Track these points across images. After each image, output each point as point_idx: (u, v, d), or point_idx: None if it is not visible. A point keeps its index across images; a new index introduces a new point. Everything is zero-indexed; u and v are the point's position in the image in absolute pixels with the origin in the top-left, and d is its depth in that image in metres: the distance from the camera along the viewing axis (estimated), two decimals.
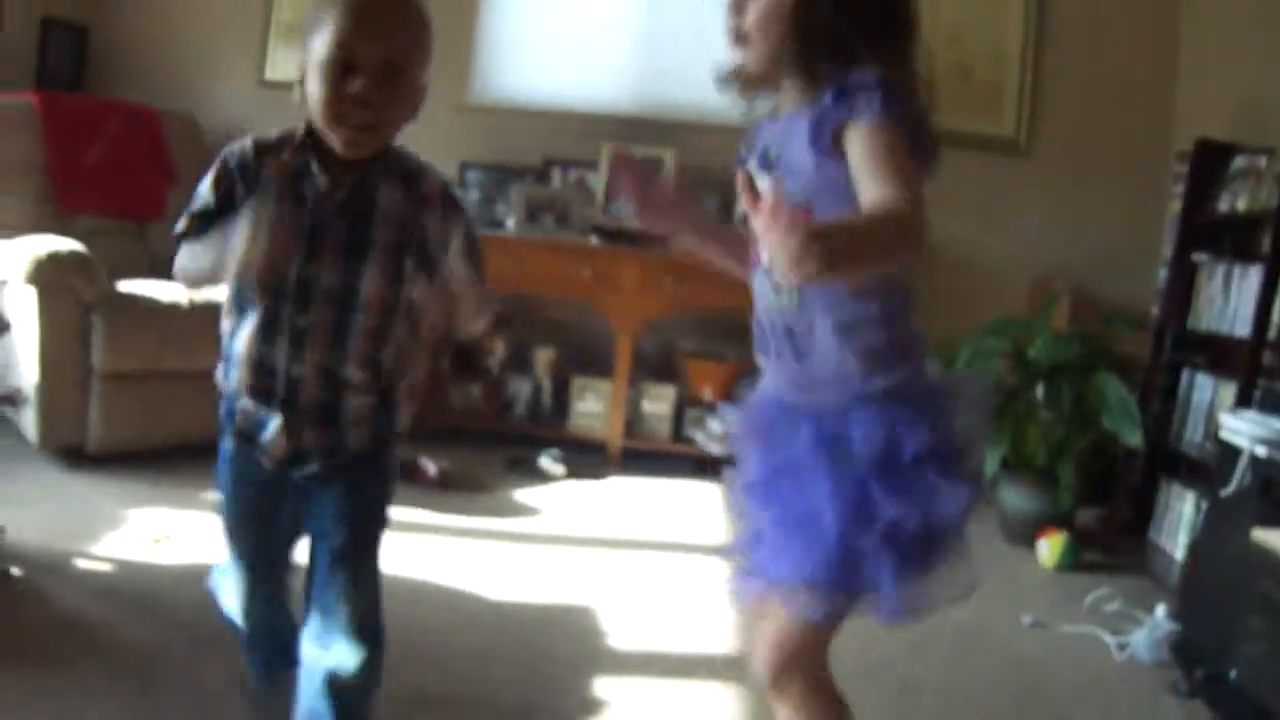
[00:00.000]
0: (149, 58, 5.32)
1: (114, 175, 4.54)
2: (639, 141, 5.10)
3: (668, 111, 5.19)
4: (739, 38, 1.64)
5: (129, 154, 4.60)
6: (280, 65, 5.26)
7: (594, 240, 4.90)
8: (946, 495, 1.53)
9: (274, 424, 1.78)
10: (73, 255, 3.70)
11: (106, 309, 3.75)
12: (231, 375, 1.81)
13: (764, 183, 1.60)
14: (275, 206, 1.65)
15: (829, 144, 1.50)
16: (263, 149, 1.74)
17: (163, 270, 4.41)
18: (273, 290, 1.72)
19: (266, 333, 1.75)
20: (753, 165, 1.68)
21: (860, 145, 1.45)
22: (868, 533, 1.52)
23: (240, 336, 1.77)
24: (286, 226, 1.65)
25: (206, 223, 1.73)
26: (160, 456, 3.86)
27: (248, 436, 1.83)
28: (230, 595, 2.00)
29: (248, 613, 2.00)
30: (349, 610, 1.79)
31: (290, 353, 1.75)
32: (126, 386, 3.80)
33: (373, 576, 1.85)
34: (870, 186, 1.42)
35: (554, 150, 5.19)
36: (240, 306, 1.78)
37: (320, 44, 1.62)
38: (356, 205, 1.73)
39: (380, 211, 1.74)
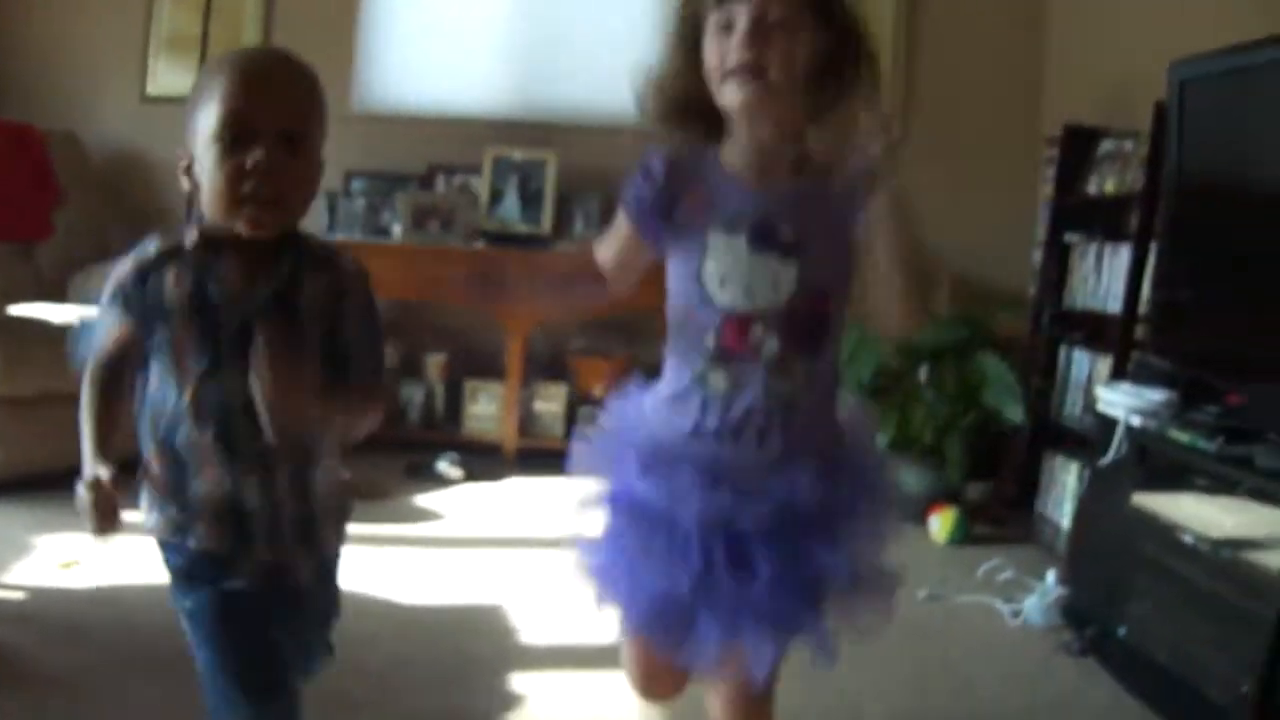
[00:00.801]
0: (27, 75, 5.18)
1: None
2: (521, 144, 5.13)
3: (549, 114, 5.22)
4: (754, 72, 1.54)
5: (12, 174, 4.50)
6: (161, 80, 5.17)
7: (480, 244, 4.92)
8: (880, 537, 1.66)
9: (261, 567, 1.59)
10: None
11: None
12: (185, 527, 1.58)
13: (761, 260, 1.58)
14: (181, 322, 1.51)
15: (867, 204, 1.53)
16: (144, 267, 1.53)
17: (52, 292, 4.36)
18: (216, 423, 1.53)
19: (226, 469, 1.55)
20: (728, 236, 1.61)
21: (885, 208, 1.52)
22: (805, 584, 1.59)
23: (187, 479, 1.56)
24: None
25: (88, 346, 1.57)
26: (62, 480, 3.76)
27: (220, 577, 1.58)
28: None
29: None
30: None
31: (260, 483, 1.56)
32: (23, 411, 3.72)
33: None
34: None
35: (437, 156, 5.19)
36: (173, 444, 1.56)
37: (209, 117, 1.47)
38: (279, 303, 1.54)
39: (305, 307, 1.56)
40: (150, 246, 1.55)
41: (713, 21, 1.56)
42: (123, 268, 1.54)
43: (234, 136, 1.45)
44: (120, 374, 1.57)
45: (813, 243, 1.58)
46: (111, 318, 1.54)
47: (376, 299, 1.65)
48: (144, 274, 1.52)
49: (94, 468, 1.51)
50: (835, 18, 1.55)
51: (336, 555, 1.78)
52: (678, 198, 1.63)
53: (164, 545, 1.62)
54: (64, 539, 3.30)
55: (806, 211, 1.59)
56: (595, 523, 1.74)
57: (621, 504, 1.70)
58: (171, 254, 1.54)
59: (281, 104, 1.49)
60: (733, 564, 1.57)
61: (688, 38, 1.60)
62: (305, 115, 1.52)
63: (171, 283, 1.52)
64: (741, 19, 1.53)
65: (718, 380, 1.62)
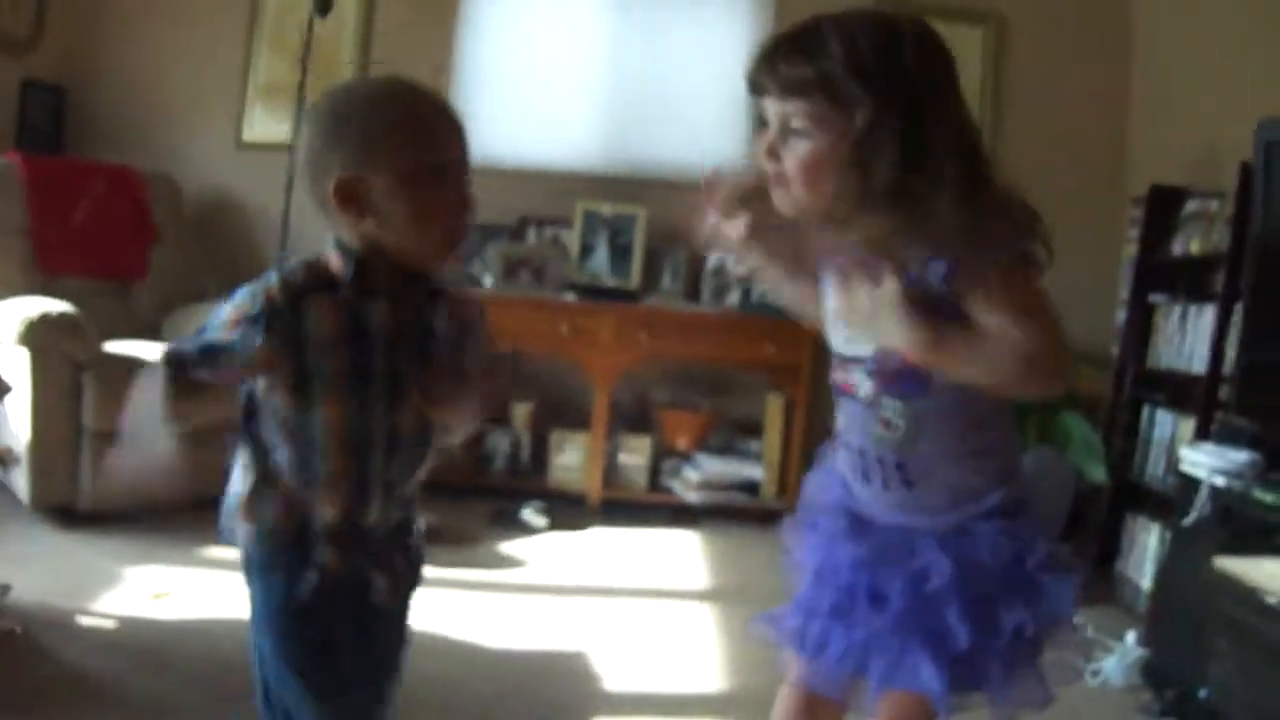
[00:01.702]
0: (127, 119, 5.37)
1: (97, 236, 4.59)
2: (610, 199, 5.23)
3: (638, 170, 5.32)
4: (778, 181, 1.52)
5: (111, 215, 4.66)
6: (257, 126, 5.34)
7: (570, 296, 5.00)
8: (1064, 596, 1.56)
9: (378, 582, 1.65)
10: (63, 317, 3.78)
11: (97, 369, 3.81)
12: (306, 543, 1.59)
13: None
14: (333, 354, 1.52)
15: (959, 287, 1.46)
16: (295, 293, 1.50)
17: (146, 330, 4.51)
18: (357, 449, 1.56)
19: (357, 493, 1.58)
20: (835, 279, 1.60)
21: (984, 299, 1.43)
22: (994, 642, 1.54)
23: (313, 499, 1.58)
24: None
25: (213, 362, 1.52)
26: (152, 514, 3.91)
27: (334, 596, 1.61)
28: None
29: None
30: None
31: (383, 507, 1.61)
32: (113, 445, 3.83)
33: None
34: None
35: (529, 208, 5.31)
36: (304, 467, 1.57)
37: (408, 152, 1.48)
38: (418, 334, 1.58)
39: (439, 336, 1.60)
40: (296, 272, 1.52)
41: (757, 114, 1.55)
42: (268, 287, 1.49)
43: (443, 174, 1.50)
44: (209, 391, 1.56)
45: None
46: (256, 337, 1.48)
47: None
48: (296, 300, 1.49)
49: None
50: (864, 102, 1.42)
51: (410, 582, 1.80)
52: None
53: (272, 558, 1.61)
54: (154, 570, 3.42)
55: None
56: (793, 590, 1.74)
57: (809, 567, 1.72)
58: (325, 286, 1.52)
59: (464, 137, 1.54)
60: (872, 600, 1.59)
61: None
62: (470, 147, 1.56)
63: (326, 313, 1.51)
64: (770, 122, 1.51)
65: (840, 416, 1.66)
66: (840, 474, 1.70)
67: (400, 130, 1.48)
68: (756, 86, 1.51)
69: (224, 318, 1.50)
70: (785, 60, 1.46)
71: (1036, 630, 1.55)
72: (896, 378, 1.55)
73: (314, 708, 1.59)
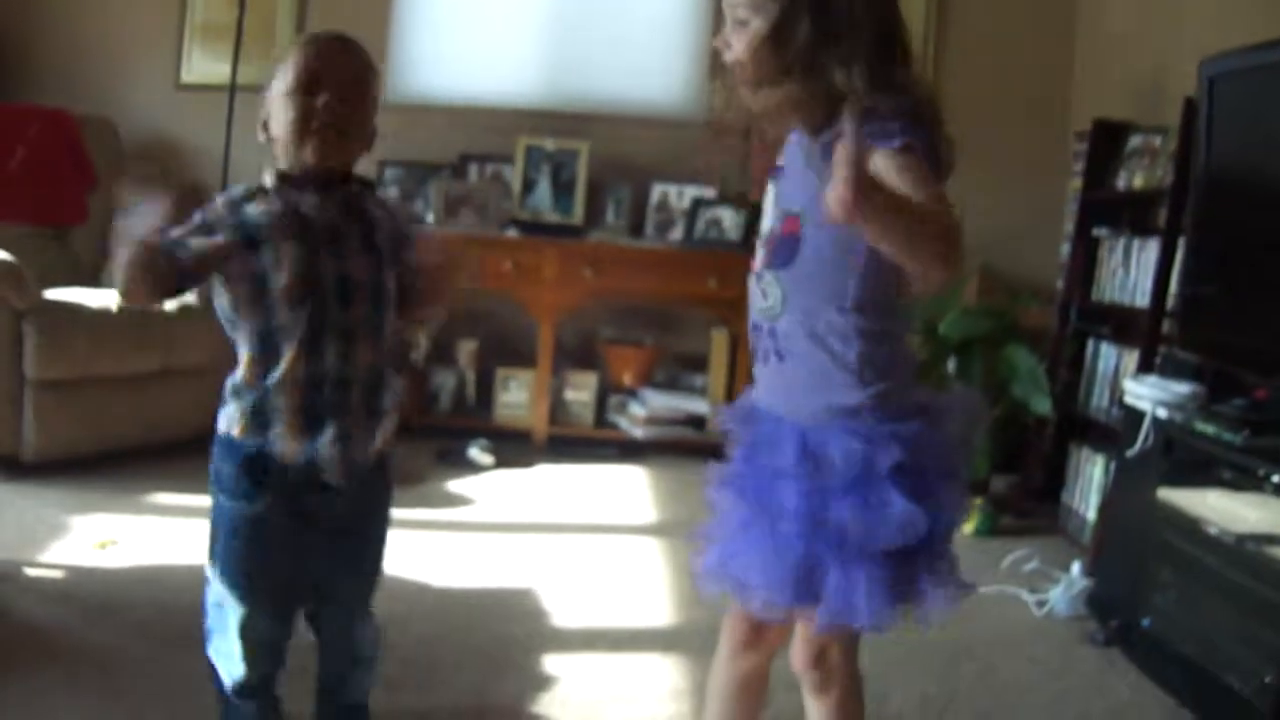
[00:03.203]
0: (62, 62, 5.24)
1: (32, 182, 4.48)
2: (553, 134, 5.17)
3: (581, 104, 5.27)
4: (734, 71, 1.68)
5: (47, 160, 4.55)
6: (195, 67, 5.22)
7: (512, 233, 4.97)
8: (914, 512, 1.59)
9: (329, 435, 1.79)
10: (2, 264, 3.68)
11: (37, 317, 3.74)
12: (266, 417, 1.78)
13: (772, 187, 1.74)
14: (274, 227, 1.77)
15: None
16: (235, 199, 1.82)
17: (86, 276, 4.43)
18: (310, 298, 1.77)
19: (313, 345, 1.77)
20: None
21: (884, 166, 1.49)
22: (829, 546, 1.61)
23: (278, 367, 1.77)
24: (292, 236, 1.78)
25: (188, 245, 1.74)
26: (97, 462, 3.87)
27: (292, 486, 1.80)
28: (236, 663, 1.86)
29: (257, 674, 1.88)
30: (365, 643, 2.02)
31: (339, 355, 1.79)
32: (60, 394, 3.79)
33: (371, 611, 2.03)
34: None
35: (470, 146, 5.25)
36: (265, 344, 1.78)
37: (285, 77, 1.79)
38: (353, 212, 1.86)
39: (372, 219, 1.87)
40: (234, 190, 1.84)
41: None
42: (228, 195, 1.83)
43: (305, 88, 1.78)
44: (174, 277, 1.72)
45: (790, 169, 1.73)
46: (211, 235, 1.76)
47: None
48: (236, 206, 1.80)
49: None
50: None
51: (384, 475, 1.96)
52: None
53: (230, 444, 1.81)
54: (100, 520, 3.37)
55: (795, 153, 1.73)
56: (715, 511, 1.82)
57: (729, 475, 1.80)
58: (255, 193, 1.82)
59: (343, 67, 1.82)
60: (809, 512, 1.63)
61: None
62: (360, 79, 1.84)
63: (261, 208, 1.79)
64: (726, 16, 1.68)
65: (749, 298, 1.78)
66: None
67: (292, 64, 1.80)
68: None
69: (180, 231, 1.76)
70: None
71: (890, 543, 1.60)
72: (776, 247, 1.70)
73: (242, 588, 1.82)
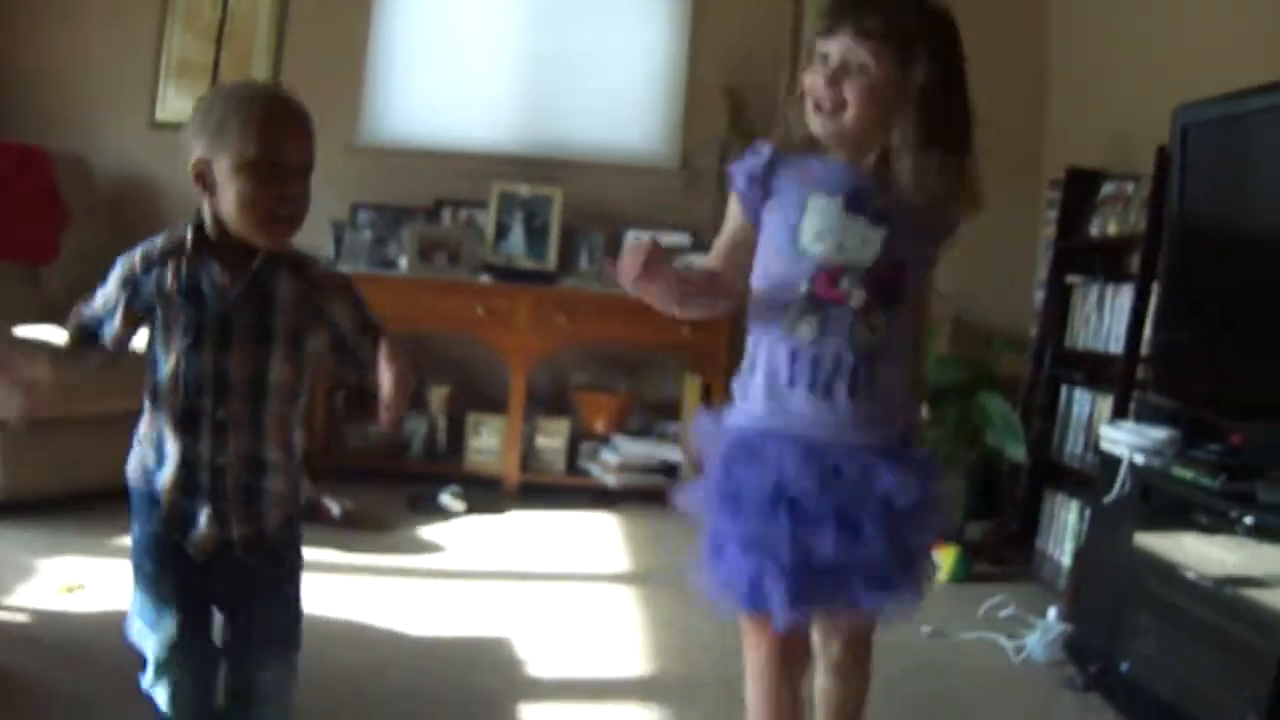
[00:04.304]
0: (36, 98, 5.19)
1: (4, 218, 4.46)
2: (527, 180, 5.17)
3: (554, 150, 5.28)
4: (833, 106, 1.80)
5: (19, 196, 4.52)
6: (170, 106, 5.20)
7: (485, 278, 4.95)
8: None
9: (204, 516, 1.83)
10: (29, 347, 3.63)
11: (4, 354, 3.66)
12: (154, 471, 1.85)
13: (854, 222, 1.82)
14: (179, 310, 1.79)
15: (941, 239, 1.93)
16: (150, 261, 1.81)
17: (56, 315, 4.37)
18: (185, 390, 1.79)
19: (189, 428, 1.81)
20: (828, 197, 1.84)
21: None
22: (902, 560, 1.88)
23: (163, 434, 1.83)
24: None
25: (97, 329, 1.85)
26: (65, 504, 3.80)
27: (175, 527, 1.85)
28: (167, 682, 1.87)
29: (184, 682, 1.87)
30: (266, 682, 1.93)
31: (213, 444, 1.81)
32: (27, 434, 3.72)
33: (292, 672, 1.97)
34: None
35: (444, 190, 5.24)
36: (157, 404, 1.84)
37: (241, 146, 1.73)
38: (256, 296, 1.82)
39: (279, 301, 1.83)
40: (156, 243, 1.83)
41: (816, 51, 1.82)
42: (132, 258, 1.82)
43: (270, 170, 1.74)
44: (89, 350, 1.86)
45: (898, 220, 1.82)
46: (119, 306, 1.81)
47: (353, 285, 1.92)
48: (150, 267, 1.80)
49: (38, 367, 1.80)
50: (930, 70, 1.80)
51: (286, 541, 1.94)
52: (777, 169, 1.89)
53: (138, 494, 1.89)
54: (67, 562, 3.31)
55: (893, 197, 1.82)
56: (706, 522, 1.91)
57: (732, 497, 1.87)
58: (173, 252, 1.81)
59: (303, 144, 1.79)
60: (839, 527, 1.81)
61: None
62: (313, 151, 1.81)
63: (170, 275, 1.79)
64: (831, 58, 1.79)
65: (805, 329, 1.83)
66: (757, 407, 1.89)
67: (243, 128, 1.73)
68: (831, 28, 1.80)
69: (107, 289, 1.83)
70: (868, 11, 1.78)
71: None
72: (888, 284, 1.83)
73: (155, 636, 1.85)
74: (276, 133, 1.75)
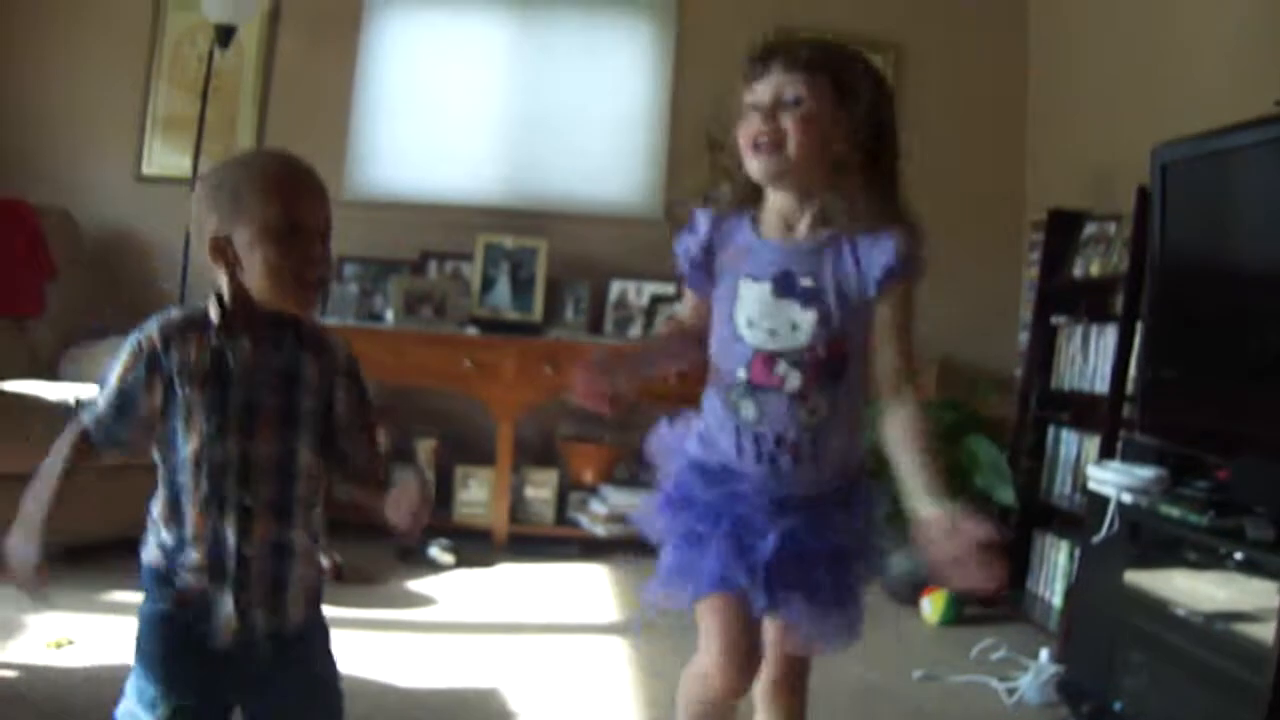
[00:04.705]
0: (21, 152, 5.16)
1: None
2: (512, 232, 5.19)
3: (539, 203, 5.30)
4: (771, 143, 1.80)
5: (5, 249, 4.51)
6: (156, 160, 5.19)
7: (472, 330, 4.95)
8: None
9: (225, 605, 1.72)
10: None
11: None
12: (174, 553, 1.74)
13: (784, 307, 1.84)
14: (196, 387, 1.69)
15: (882, 291, 1.83)
16: (170, 335, 1.72)
17: (43, 369, 4.38)
18: (209, 474, 1.70)
19: (212, 513, 1.71)
20: (756, 284, 1.86)
21: (895, 305, 1.84)
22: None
23: (184, 517, 1.72)
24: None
25: (116, 415, 1.73)
26: (54, 558, 3.74)
27: (191, 612, 1.74)
28: None
29: None
30: None
31: (239, 531, 1.71)
32: (13, 489, 3.67)
33: None
34: (890, 348, 1.85)
35: (430, 243, 5.25)
36: (175, 486, 1.73)
37: (262, 213, 1.68)
38: (283, 375, 1.76)
39: (304, 380, 1.78)
40: (171, 317, 1.74)
41: (746, 103, 1.83)
42: (148, 336, 1.71)
43: (292, 233, 1.69)
44: (99, 455, 1.79)
45: (831, 296, 1.82)
46: (141, 393, 1.71)
47: (366, 381, 1.87)
48: (169, 343, 1.71)
49: (30, 547, 1.83)
50: (858, 98, 1.82)
51: (310, 639, 1.87)
52: (716, 250, 1.91)
53: (154, 574, 1.78)
54: (56, 618, 3.28)
55: (824, 266, 1.83)
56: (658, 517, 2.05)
57: (680, 502, 1.99)
58: (194, 327, 1.73)
59: (320, 205, 1.75)
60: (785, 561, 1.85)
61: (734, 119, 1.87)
62: (329, 213, 1.77)
63: (194, 350, 1.71)
64: (764, 98, 1.80)
65: (747, 409, 1.86)
66: (714, 447, 1.95)
67: (260, 194, 1.69)
68: (762, 65, 1.82)
69: (117, 370, 1.72)
70: (803, 45, 1.82)
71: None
72: (825, 365, 1.83)
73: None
74: (294, 194, 1.72)
